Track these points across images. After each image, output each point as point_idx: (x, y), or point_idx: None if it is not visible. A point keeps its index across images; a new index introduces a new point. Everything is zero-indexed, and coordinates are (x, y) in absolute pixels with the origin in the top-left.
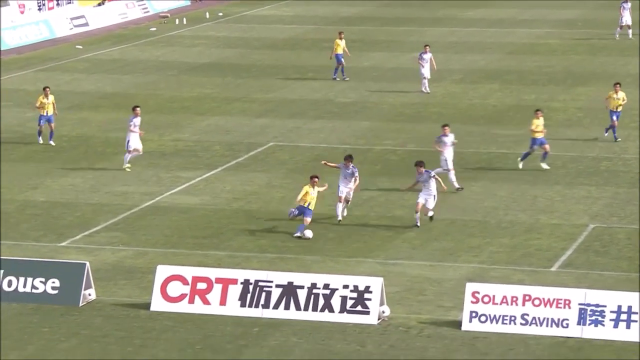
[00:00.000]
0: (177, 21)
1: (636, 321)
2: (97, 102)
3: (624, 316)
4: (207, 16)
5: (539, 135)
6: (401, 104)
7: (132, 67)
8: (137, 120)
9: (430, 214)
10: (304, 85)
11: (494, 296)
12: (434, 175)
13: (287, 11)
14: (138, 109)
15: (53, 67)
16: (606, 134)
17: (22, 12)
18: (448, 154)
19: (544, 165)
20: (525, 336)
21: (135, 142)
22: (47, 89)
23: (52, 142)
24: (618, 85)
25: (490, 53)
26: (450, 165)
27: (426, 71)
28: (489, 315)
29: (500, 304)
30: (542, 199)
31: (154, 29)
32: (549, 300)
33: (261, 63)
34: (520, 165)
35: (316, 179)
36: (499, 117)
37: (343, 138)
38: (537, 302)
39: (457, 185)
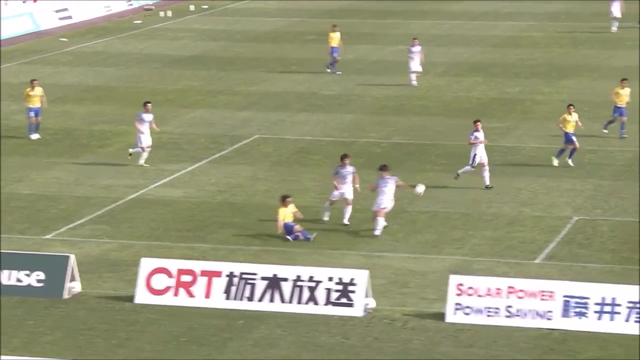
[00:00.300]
0: (161, 14)
1: (619, 313)
2: (80, 95)
3: (607, 308)
4: (192, 9)
5: (570, 130)
6: (385, 96)
7: (115, 59)
8: (148, 116)
9: (382, 221)
10: (288, 78)
11: (477, 288)
12: (396, 181)
13: (270, 4)
14: (149, 104)
15: (36, 60)
16: (605, 130)
17: (5, 4)
18: (480, 150)
19: (570, 162)
20: (509, 328)
21: (146, 139)
22: (35, 82)
23: (36, 135)
24: (625, 81)
25: (473, 46)
26: (485, 160)
27: (415, 64)
28: (473, 307)
29: (484, 296)
30: (526, 191)
31: (138, 21)
32: (532, 292)
33: (245, 56)
34: (555, 163)
35: (288, 199)
36: (483, 110)
37: (327, 131)
38: (521, 294)
39: (487, 183)
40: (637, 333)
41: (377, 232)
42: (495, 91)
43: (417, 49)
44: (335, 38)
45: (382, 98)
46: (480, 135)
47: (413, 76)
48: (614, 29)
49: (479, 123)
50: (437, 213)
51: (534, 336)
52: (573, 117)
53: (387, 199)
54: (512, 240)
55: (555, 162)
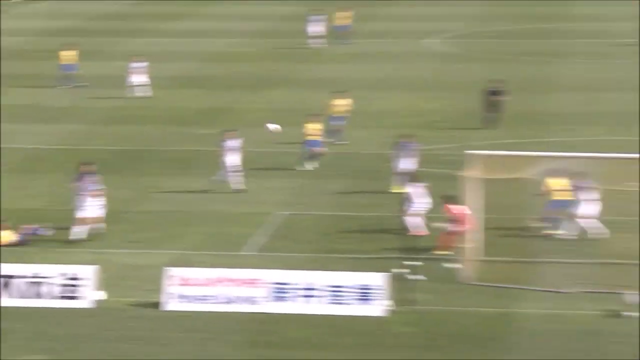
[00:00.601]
0: None
1: (319, 296)
2: None
3: (308, 292)
4: None
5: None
6: (112, 107)
7: None
8: None
9: (100, 225)
10: (20, 91)
11: (193, 279)
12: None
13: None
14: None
15: None
16: (332, 139)
17: None
18: (231, 156)
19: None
20: (223, 313)
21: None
22: None
23: None
24: (341, 93)
25: (190, 61)
26: (234, 169)
27: (137, 78)
28: (189, 296)
29: (199, 285)
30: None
31: None
32: (243, 280)
33: None
34: (309, 167)
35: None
36: (198, 119)
37: (57, 140)
38: (231, 282)
39: (237, 187)
40: (337, 313)
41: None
42: (209, 101)
43: (139, 64)
44: (67, 55)
45: (109, 109)
46: (231, 143)
47: (136, 89)
48: (314, 44)
49: (232, 133)
50: (158, 212)
51: (245, 319)
52: (342, 102)
53: (98, 205)
54: (225, 235)
55: (309, 167)
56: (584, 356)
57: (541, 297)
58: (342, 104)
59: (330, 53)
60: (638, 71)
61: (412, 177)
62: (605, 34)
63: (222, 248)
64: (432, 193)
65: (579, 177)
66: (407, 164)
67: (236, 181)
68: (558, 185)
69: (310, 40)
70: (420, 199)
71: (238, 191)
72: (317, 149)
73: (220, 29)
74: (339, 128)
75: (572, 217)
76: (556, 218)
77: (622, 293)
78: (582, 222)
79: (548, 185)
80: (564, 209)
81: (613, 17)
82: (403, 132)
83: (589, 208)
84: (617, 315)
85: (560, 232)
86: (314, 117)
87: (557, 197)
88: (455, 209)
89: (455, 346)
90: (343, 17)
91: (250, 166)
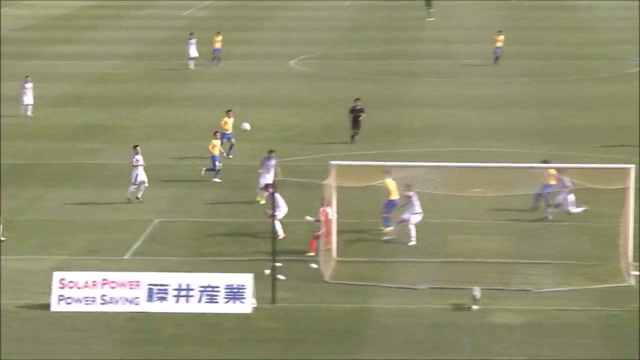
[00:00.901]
0: None
1: (193, 296)
2: None
3: (183, 292)
4: None
5: (216, 154)
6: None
7: None
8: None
9: None
10: None
11: (77, 282)
12: None
13: None
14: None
15: None
16: (230, 156)
17: None
18: (140, 170)
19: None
20: (105, 313)
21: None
22: None
23: None
24: (231, 112)
25: (73, 81)
26: (145, 179)
27: (27, 98)
28: (74, 297)
29: (83, 287)
30: (117, 200)
31: None
32: (123, 282)
33: None
34: (210, 178)
35: None
36: (81, 135)
37: None
38: (113, 284)
39: (138, 196)
40: (208, 311)
41: None
42: (90, 118)
43: (29, 85)
44: None
45: (4, 125)
46: (140, 158)
47: (26, 107)
48: (192, 67)
49: (138, 147)
50: (45, 221)
51: (125, 318)
52: (218, 142)
53: None
54: (106, 241)
55: (217, 180)
56: (433, 347)
57: (395, 294)
58: (230, 122)
59: (205, 73)
60: (479, 89)
61: (273, 187)
62: (450, 55)
63: (105, 253)
64: (297, 200)
65: (408, 187)
66: (269, 176)
67: (136, 192)
68: (393, 187)
69: (189, 62)
70: (280, 206)
71: (130, 201)
72: (219, 164)
73: (103, 53)
74: (230, 144)
75: (402, 220)
76: (388, 217)
77: (470, 288)
78: (410, 226)
79: (387, 187)
80: (394, 209)
81: (458, 40)
82: (270, 145)
83: (415, 215)
84: (464, 308)
85: (389, 230)
86: (215, 134)
87: (392, 197)
88: (326, 212)
89: (315, 340)
90: (217, 41)
91: (123, 178)
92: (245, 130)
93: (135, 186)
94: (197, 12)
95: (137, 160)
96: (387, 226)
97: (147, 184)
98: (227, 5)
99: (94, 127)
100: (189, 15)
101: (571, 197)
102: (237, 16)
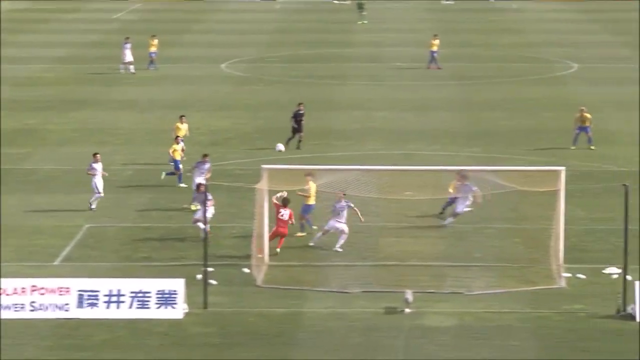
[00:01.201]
0: None
1: (124, 302)
2: None
3: (114, 298)
4: None
5: (178, 158)
6: None
7: None
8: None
9: None
10: None
11: (5, 289)
12: None
13: None
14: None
15: None
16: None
17: None
18: (98, 179)
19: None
20: (34, 320)
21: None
22: None
23: None
24: (184, 117)
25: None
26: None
27: None
28: (2, 305)
29: (12, 294)
30: (45, 205)
31: None
32: (52, 289)
33: None
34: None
35: None
36: (8, 140)
37: None
38: (42, 291)
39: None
40: (140, 317)
41: None
42: (17, 123)
43: None
44: None
45: None
46: (98, 166)
47: None
48: (132, 70)
49: (98, 155)
50: None
51: (54, 325)
52: (179, 147)
53: None
54: (35, 247)
55: (182, 184)
56: (365, 350)
57: (328, 297)
58: (185, 127)
59: (138, 77)
60: (410, 92)
61: (205, 190)
62: (381, 58)
63: (35, 259)
64: (227, 204)
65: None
66: (201, 180)
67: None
68: (314, 191)
69: (122, 65)
70: (210, 209)
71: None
72: (181, 167)
73: (30, 56)
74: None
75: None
76: (307, 221)
77: (402, 292)
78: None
79: (309, 190)
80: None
81: (389, 43)
82: (201, 149)
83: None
84: (397, 312)
85: (303, 234)
86: (176, 139)
87: (310, 202)
88: (282, 214)
89: (247, 344)
90: (153, 44)
91: (58, 182)
92: (280, 151)
93: (101, 195)
94: (127, 15)
95: (94, 169)
96: (304, 231)
97: (102, 194)
98: (157, 8)
99: (21, 132)
100: (119, 18)
101: (467, 202)
102: (168, 19)
